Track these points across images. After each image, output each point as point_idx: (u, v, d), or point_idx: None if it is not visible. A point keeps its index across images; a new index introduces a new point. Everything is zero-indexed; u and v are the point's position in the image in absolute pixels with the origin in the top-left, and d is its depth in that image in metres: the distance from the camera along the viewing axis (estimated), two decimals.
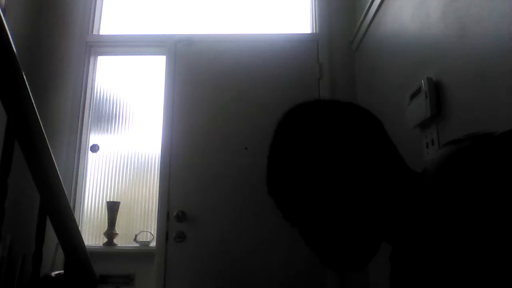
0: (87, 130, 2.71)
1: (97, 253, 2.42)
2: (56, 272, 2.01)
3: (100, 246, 2.51)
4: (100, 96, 2.79)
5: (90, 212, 2.61)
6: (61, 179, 1.35)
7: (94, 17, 2.88)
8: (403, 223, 0.63)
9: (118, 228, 2.55)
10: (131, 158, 2.68)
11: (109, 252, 2.48)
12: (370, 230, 0.65)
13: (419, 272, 0.60)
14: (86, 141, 2.69)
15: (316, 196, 0.64)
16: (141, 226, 2.59)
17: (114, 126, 2.74)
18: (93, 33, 2.85)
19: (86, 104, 2.72)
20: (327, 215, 0.64)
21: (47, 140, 1.31)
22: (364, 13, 2.40)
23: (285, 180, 0.67)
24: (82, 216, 2.59)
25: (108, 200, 2.60)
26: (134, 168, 2.67)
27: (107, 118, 2.75)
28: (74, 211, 2.49)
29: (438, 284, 0.56)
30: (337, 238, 0.65)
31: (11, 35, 1.20)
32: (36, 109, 1.27)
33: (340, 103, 0.70)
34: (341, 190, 0.63)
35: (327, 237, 0.66)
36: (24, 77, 1.24)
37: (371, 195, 0.63)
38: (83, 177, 2.64)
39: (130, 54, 2.86)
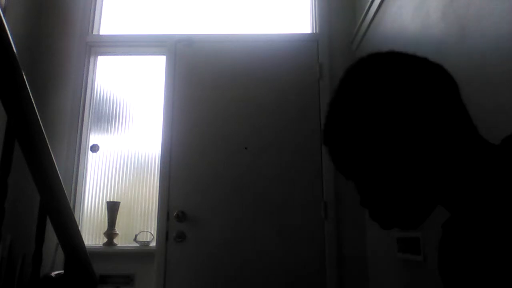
0: (87, 130, 2.71)
1: (97, 253, 2.42)
2: (56, 272, 2.01)
3: (100, 246, 2.51)
4: (100, 96, 2.79)
5: (90, 212, 2.61)
6: (61, 179, 1.35)
7: (94, 17, 2.88)
8: (466, 190, 0.59)
9: (118, 228, 2.55)
10: (131, 158, 2.68)
11: (109, 252, 2.48)
12: (428, 192, 0.61)
13: (473, 244, 0.56)
14: (86, 141, 2.69)
15: (373, 150, 0.61)
16: (141, 226, 2.59)
17: (114, 126, 2.74)
18: (93, 33, 2.85)
19: (86, 104, 2.72)
20: (382, 172, 0.61)
21: (47, 140, 1.30)
22: (364, 13, 2.40)
23: (343, 131, 0.64)
24: (82, 216, 2.59)
25: (108, 200, 2.60)
26: (134, 168, 2.67)
27: (107, 118, 2.75)
28: (74, 211, 2.49)
29: (491, 259, 0.52)
30: (390, 196, 0.62)
31: (11, 35, 1.20)
32: (36, 109, 1.27)
33: (415, 58, 0.65)
34: (401, 147, 0.59)
35: (380, 193, 0.63)
36: (24, 77, 1.23)
37: (434, 156, 0.59)
38: (83, 177, 2.64)
39: (130, 54, 2.86)
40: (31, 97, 1.26)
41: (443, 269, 0.66)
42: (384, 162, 0.61)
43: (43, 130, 1.30)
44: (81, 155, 2.64)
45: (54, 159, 1.32)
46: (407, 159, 0.60)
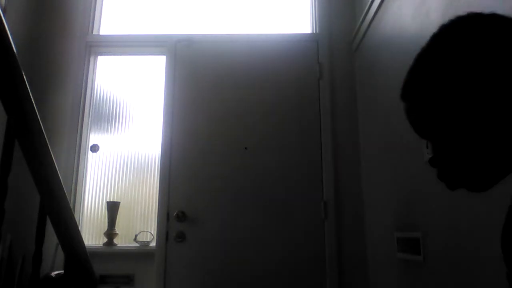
0: (87, 130, 2.71)
1: (97, 253, 2.43)
2: (56, 272, 2.02)
3: (100, 246, 2.51)
4: (100, 96, 2.79)
5: (90, 212, 2.61)
6: (61, 179, 1.35)
7: (94, 17, 2.88)
8: None
9: (118, 228, 2.55)
10: (131, 158, 2.68)
11: (109, 252, 2.48)
12: (505, 157, 0.60)
13: None
14: (86, 141, 2.69)
15: (458, 108, 0.60)
16: (141, 226, 2.59)
17: (114, 126, 2.74)
18: (93, 33, 2.85)
19: (86, 104, 2.72)
20: (463, 131, 0.60)
21: (47, 140, 1.30)
22: (364, 13, 2.40)
23: (429, 86, 0.62)
24: (82, 216, 2.59)
25: (108, 200, 2.60)
26: (134, 168, 2.67)
27: (107, 118, 2.75)
28: (74, 211, 2.49)
29: None
30: (467, 154, 0.61)
31: (11, 35, 1.20)
32: (36, 109, 1.27)
33: None
34: (488, 109, 0.58)
35: (456, 151, 0.61)
36: (24, 77, 1.24)
37: None
38: (83, 177, 2.64)
39: (130, 54, 2.86)
40: (31, 97, 1.26)
41: (509, 244, 0.63)
42: (467, 122, 0.59)
43: (43, 130, 1.30)
44: (81, 155, 2.64)
45: (54, 159, 1.32)
46: (492, 121, 0.58)
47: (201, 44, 2.74)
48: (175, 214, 2.45)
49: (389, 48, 2.03)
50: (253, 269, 2.40)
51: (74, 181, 2.57)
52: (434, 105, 0.62)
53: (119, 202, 2.56)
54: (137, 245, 2.53)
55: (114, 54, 2.87)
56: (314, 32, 2.83)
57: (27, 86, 1.25)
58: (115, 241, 2.53)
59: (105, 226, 2.54)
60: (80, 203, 2.59)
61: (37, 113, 1.28)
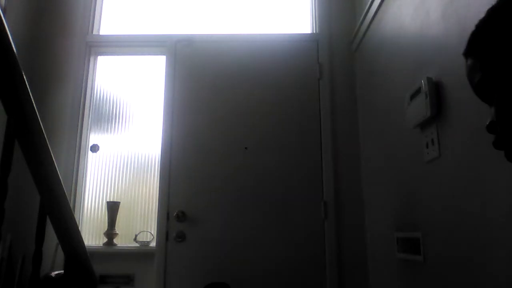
0: (87, 130, 2.71)
1: (97, 253, 2.43)
2: (56, 272, 2.02)
3: (100, 246, 2.51)
4: (100, 96, 2.79)
5: (90, 212, 2.61)
6: (61, 179, 1.34)
7: (94, 17, 2.88)
8: None
9: (118, 228, 2.55)
10: (131, 158, 2.68)
11: (109, 252, 2.48)
12: None
13: None
14: (86, 141, 2.69)
15: None
16: (141, 226, 2.59)
17: (114, 126, 2.74)
18: (93, 33, 2.85)
19: (86, 104, 2.72)
20: None
21: (47, 140, 1.30)
22: (364, 13, 2.40)
23: (501, 39, 0.56)
24: (82, 216, 2.59)
25: (108, 200, 2.60)
26: (134, 168, 2.67)
27: (107, 118, 2.75)
28: (74, 211, 2.49)
29: None
30: None
31: (11, 35, 1.20)
32: (36, 109, 1.27)
33: None
34: None
35: None
36: (24, 77, 1.23)
37: None
38: (83, 177, 2.64)
39: (130, 54, 2.86)
40: (31, 97, 1.26)
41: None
42: None
43: (43, 130, 1.30)
44: (81, 155, 2.64)
45: (54, 159, 1.32)
46: None
47: (201, 44, 2.74)
48: (175, 214, 2.45)
49: (389, 48, 2.03)
50: (253, 269, 2.40)
51: (74, 181, 2.57)
52: (507, 61, 0.56)
53: (119, 202, 2.56)
54: (137, 245, 2.53)
55: (114, 54, 2.87)
56: (314, 32, 2.83)
57: (27, 86, 1.24)
58: (115, 241, 2.53)
59: (105, 226, 2.54)
60: (80, 203, 2.59)
61: (37, 113, 1.28)
